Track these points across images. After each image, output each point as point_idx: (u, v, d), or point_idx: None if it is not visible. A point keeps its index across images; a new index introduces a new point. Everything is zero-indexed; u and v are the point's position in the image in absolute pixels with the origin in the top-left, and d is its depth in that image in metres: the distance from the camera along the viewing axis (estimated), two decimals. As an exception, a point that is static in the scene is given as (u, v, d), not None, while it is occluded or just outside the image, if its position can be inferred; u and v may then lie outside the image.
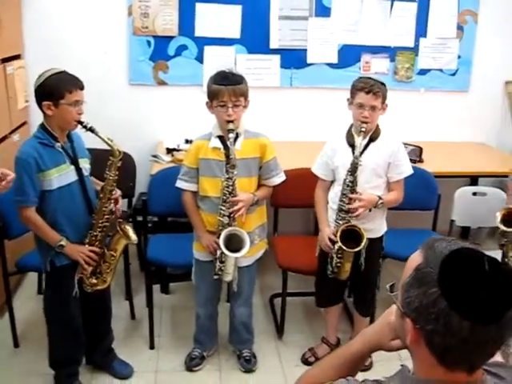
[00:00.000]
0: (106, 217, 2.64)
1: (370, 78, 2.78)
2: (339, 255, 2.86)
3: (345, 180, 2.82)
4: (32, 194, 2.49)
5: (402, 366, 1.23)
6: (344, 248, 2.79)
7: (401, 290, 1.17)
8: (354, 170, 2.78)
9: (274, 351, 3.31)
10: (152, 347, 3.28)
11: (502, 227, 2.91)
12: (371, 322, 3.14)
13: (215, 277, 2.87)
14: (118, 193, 2.67)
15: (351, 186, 2.79)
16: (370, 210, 2.84)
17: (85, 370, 3.00)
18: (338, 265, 2.89)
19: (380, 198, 2.81)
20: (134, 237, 2.72)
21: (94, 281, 2.71)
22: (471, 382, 1.13)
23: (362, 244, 2.77)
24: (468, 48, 4.47)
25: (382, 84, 2.77)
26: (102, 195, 2.62)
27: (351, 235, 2.79)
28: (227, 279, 2.88)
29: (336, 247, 2.84)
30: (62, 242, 2.56)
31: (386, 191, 2.91)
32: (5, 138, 3.52)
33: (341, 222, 2.83)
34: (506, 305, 1.07)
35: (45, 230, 2.56)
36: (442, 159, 4.09)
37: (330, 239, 2.86)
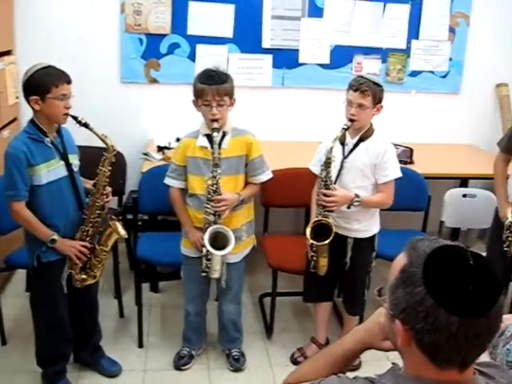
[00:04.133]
0: (98, 212, 2.64)
1: (363, 77, 2.78)
2: (313, 249, 2.87)
3: (320, 175, 2.83)
4: (23, 189, 2.48)
5: (392, 364, 1.24)
6: (312, 242, 2.81)
7: (388, 293, 1.17)
8: (327, 165, 2.78)
9: (263, 351, 3.31)
10: (141, 346, 3.26)
11: None
12: (360, 322, 3.15)
13: (202, 274, 2.87)
14: (108, 189, 2.67)
15: (325, 181, 2.80)
16: (349, 208, 2.84)
17: (72, 367, 2.99)
18: (314, 259, 2.89)
19: (357, 195, 2.81)
20: (123, 232, 2.71)
21: (84, 276, 2.70)
22: (463, 381, 1.13)
23: (330, 238, 2.77)
24: (459, 50, 4.50)
25: (376, 84, 2.77)
26: (94, 190, 2.62)
27: (325, 230, 2.79)
28: (214, 276, 2.88)
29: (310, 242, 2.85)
30: (54, 237, 2.56)
31: (375, 193, 2.91)
32: (-6, 134, 3.50)
33: (320, 217, 2.84)
34: (493, 297, 1.08)
35: (36, 224, 2.55)
36: (433, 161, 4.11)
37: None
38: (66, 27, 4.02)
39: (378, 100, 2.78)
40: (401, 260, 1.16)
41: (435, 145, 4.50)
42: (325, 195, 2.79)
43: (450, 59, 4.51)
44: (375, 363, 2.85)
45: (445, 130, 4.62)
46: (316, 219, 2.83)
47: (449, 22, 4.43)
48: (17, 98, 3.88)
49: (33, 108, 2.49)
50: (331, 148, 2.75)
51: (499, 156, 3.20)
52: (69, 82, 2.50)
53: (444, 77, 4.54)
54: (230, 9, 4.15)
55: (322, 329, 3.25)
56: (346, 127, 2.75)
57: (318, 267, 2.91)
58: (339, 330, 3.38)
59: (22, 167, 2.45)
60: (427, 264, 1.09)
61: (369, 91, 2.73)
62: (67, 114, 2.50)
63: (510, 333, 1.58)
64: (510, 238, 2.97)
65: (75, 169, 2.65)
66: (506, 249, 2.98)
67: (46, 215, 2.56)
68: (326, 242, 2.78)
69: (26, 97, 2.48)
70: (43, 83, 2.44)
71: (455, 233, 4.34)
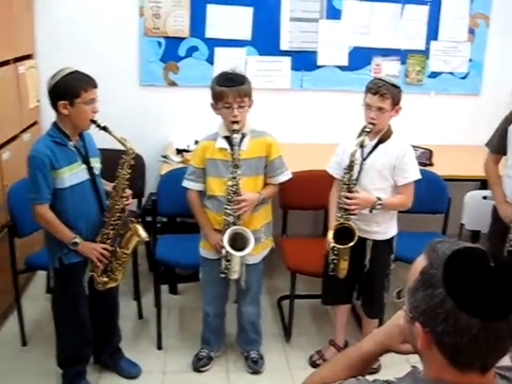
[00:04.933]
0: (118, 215, 2.66)
1: (381, 80, 2.77)
2: (335, 252, 2.87)
3: (342, 178, 2.82)
4: (46, 192, 2.51)
5: (412, 367, 1.23)
6: (335, 245, 2.80)
7: (407, 295, 1.17)
8: (350, 168, 2.78)
9: (281, 353, 3.31)
10: (160, 347, 3.28)
11: None
12: (380, 325, 3.13)
13: (222, 275, 2.88)
14: (129, 192, 2.69)
15: (347, 184, 2.80)
16: (371, 212, 2.83)
17: (92, 369, 3.01)
18: (335, 262, 2.89)
19: (379, 199, 2.80)
20: (144, 234, 2.73)
21: (105, 279, 2.72)
22: None
23: (353, 241, 2.76)
24: (479, 51, 4.45)
25: (394, 86, 2.75)
26: (114, 193, 2.64)
27: (348, 233, 2.79)
28: (233, 277, 2.89)
29: (331, 245, 2.84)
30: (76, 240, 2.58)
31: (394, 195, 2.90)
32: (16, 137, 3.54)
33: (341, 220, 2.83)
34: None
35: (59, 227, 2.57)
36: (452, 162, 4.07)
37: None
38: (86, 31, 4.05)
39: (396, 102, 2.77)
40: (420, 262, 1.15)
41: (455, 146, 4.46)
42: (347, 198, 2.78)
43: (470, 60, 4.47)
44: (395, 366, 2.81)
45: (465, 131, 4.57)
46: (339, 222, 2.82)
47: (468, 22, 4.39)
48: (37, 101, 3.92)
49: (58, 112, 2.52)
50: (354, 151, 2.75)
51: (489, 157, 3.23)
52: (95, 86, 2.54)
53: (464, 78, 4.50)
54: (248, 11, 4.16)
55: (340, 331, 3.24)
56: (368, 130, 2.74)
57: (338, 270, 2.90)
58: (358, 333, 3.37)
59: (45, 170, 2.48)
60: (447, 266, 1.09)
61: (388, 94, 2.72)
62: (92, 120, 2.52)
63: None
64: None
65: (97, 172, 2.67)
66: (509, 249, 2.96)
67: (69, 218, 2.58)
68: (350, 245, 2.78)
69: (54, 102, 2.50)
70: (72, 88, 2.46)
71: (475, 235, 4.30)
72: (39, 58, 4.00)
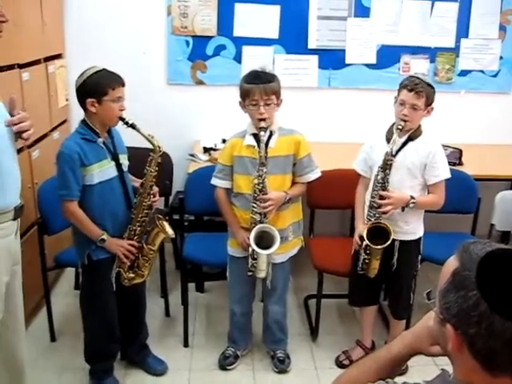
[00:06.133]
0: (145, 211, 2.68)
1: (417, 78, 2.74)
2: (367, 252, 2.84)
3: (376, 176, 2.80)
4: (75, 188, 2.54)
5: (442, 370, 1.21)
6: (369, 245, 2.77)
7: (438, 297, 1.15)
8: (385, 166, 2.75)
9: (307, 353, 3.29)
10: (186, 345, 3.29)
11: None
12: (407, 326, 3.10)
13: (249, 273, 2.87)
14: (156, 189, 2.70)
15: (382, 182, 2.77)
16: (403, 210, 2.80)
17: (119, 365, 3.04)
18: (366, 261, 2.87)
19: (412, 197, 2.77)
20: (170, 231, 2.74)
21: (132, 275, 2.74)
22: None
23: (389, 241, 2.74)
24: (510, 48, 4.38)
25: (429, 86, 2.74)
26: (142, 190, 2.66)
27: (380, 232, 2.76)
28: (260, 276, 2.88)
29: (364, 244, 2.81)
30: (104, 237, 2.61)
31: (423, 193, 2.87)
32: (45, 135, 3.58)
33: (372, 219, 2.81)
34: None
35: (87, 224, 2.60)
36: (483, 162, 4.02)
37: (361, 236, 2.83)
38: (114, 30, 4.09)
39: (430, 102, 2.75)
40: (452, 263, 1.13)
41: (485, 146, 4.39)
42: (381, 197, 2.76)
43: (501, 58, 4.40)
44: (422, 368, 2.81)
45: (495, 130, 4.51)
46: (374, 221, 2.80)
47: (499, 19, 4.33)
48: (67, 100, 3.97)
49: (86, 110, 2.54)
50: (391, 150, 2.73)
51: None
52: (123, 84, 2.57)
53: (494, 76, 4.44)
54: (276, 10, 4.15)
55: (367, 332, 3.22)
56: (400, 127, 2.72)
57: (369, 269, 2.88)
58: (385, 334, 3.35)
59: (75, 167, 2.51)
60: (481, 267, 1.06)
61: (423, 92, 2.69)
62: (120, 118, 2.54)
63: None
64: None
65: (125, 169, 2.70)
66: None
67: (96, 215, 2.61)
68: (385, 245, 2.76)
69: (82, 99, 2.53)
70: (100, 86, 2.49)
71: (506, 236, 4.24)
72: (69, 58, 4.05)
